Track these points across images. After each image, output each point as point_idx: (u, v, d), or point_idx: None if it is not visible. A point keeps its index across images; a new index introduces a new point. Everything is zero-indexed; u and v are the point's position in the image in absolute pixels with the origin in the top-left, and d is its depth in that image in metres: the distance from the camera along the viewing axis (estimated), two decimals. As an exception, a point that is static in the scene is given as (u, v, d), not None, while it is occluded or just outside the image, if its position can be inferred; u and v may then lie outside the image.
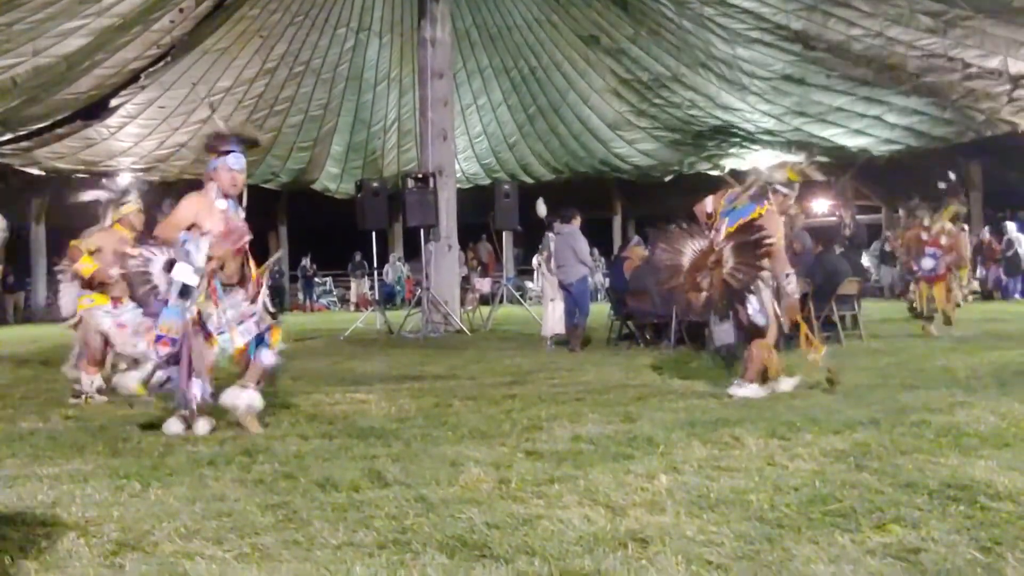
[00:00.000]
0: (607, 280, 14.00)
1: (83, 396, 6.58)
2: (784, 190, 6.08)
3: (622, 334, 10.91)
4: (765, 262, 5.70)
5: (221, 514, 3.20)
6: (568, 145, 22.60)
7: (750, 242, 5.68)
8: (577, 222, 10.25)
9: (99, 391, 6.63)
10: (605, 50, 19.11)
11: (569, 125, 21.96)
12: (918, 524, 2.86)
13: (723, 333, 5.83)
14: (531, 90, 21.32)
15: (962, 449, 3.92)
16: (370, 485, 3.58)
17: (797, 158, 5.96)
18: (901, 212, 13.93)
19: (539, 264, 11.14)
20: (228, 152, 5.01)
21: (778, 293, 5.86)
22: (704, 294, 5.85)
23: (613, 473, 3.67)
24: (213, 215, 4.91)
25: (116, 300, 6.61)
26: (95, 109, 17.28)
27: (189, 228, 4.90)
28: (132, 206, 6.90)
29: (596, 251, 18.57)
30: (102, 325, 6.66)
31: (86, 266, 6.63)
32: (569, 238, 10.08)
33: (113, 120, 18.48)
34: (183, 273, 4.85)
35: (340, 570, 2.55)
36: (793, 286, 5.93)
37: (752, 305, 5.74)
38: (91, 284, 6.70)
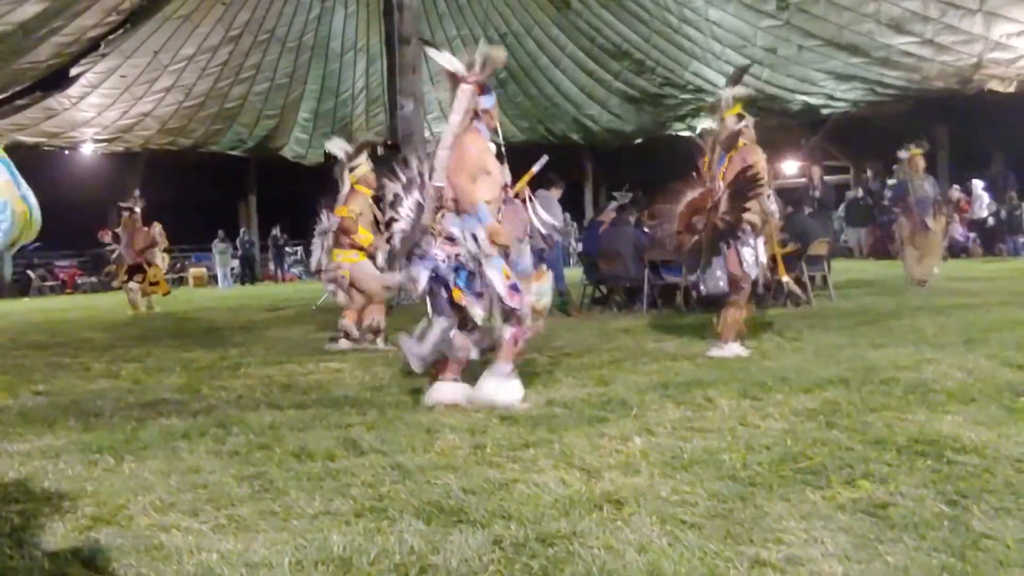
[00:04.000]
0: (580, 245, 14.02)
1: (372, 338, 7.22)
2: (741, 124, 6.12)
3: (595, 298, 10.95)
4: (753, 203, 5.77)
5: (196, 486, 3.19)
6: (540, 108, 22.48)
7: (742, 186, 5.76)
8: (556, 192, 10.21)
9: (375, 331, 7.22)
10: (577, 14, 18.97)
11: (541, 88, 21.83)
12: (887, 479, 2.92)
13: (714, 281, 5.91)
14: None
15: (929, 405, 3.99)
16: (345, 454, 3.58)
17: (733, 90, 5.99)
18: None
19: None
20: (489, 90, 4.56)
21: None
22: (696, 237, 5.96)
23: (587, 436, 3.70)
24: (491, 156, 4.56)
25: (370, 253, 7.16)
26: (55, 79, 16.90)
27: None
28: (364, 166, 7.27)
29: (568, 216, 18.55)
30: (369, 274, 7.19)
31: (364, 236, 7.18)
32: (543, 203, 10.04)
33: (74, 90, 18.09)
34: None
35: (317, 539, 2.55)
36: (774, 206, 6.01)
37: (747, 255, 5.83)
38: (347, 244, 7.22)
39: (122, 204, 13.65)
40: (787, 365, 5.33)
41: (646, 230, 10.50)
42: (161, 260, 13.67)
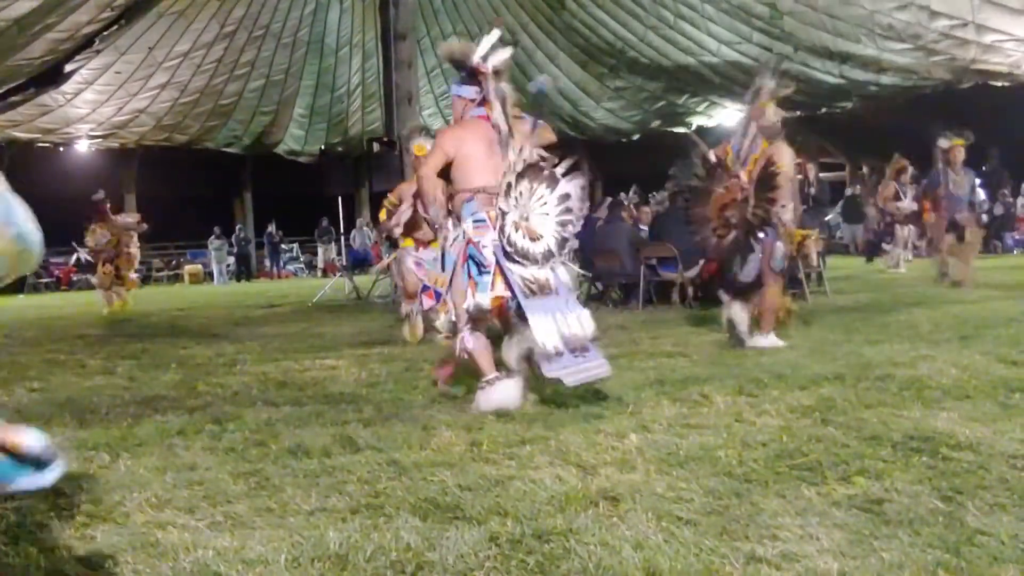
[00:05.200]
0: (576, 241, 14.00)
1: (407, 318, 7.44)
2: (779, 117, 6.20)
3: (591, 295, 10.96)
4: (778, 194, 5.85)
5: (192, 483, 3.18)
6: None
7: (764, 178, 5.84)
8: None
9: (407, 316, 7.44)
10: (572, 13, 18.96)
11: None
12: (882, 476, 2.92)
13: (747, 273, 6.04)
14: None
15: (925, 402, 3.99)
16: (342, 451, 3.58)
17: (765, 87, 6.05)
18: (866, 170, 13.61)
19: None
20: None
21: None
22: (733, 233, 6.05)
23: (583, 433, 3.70)
24: None
25: (422, 244, 7.35)
26: (50, 75, 16.84)
27: None
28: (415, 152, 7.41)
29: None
30: (406, 264, 7.46)
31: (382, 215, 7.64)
32: None
33: (69, 86, 18.05)
34: None
35: (313, 536, 2.55)
36: (788, 215, 6.05)
37: (779, 249, 5.94)
38: (405, 231, 7.46)
39: (95, 198, 13.36)
40: (782, 361, 5.33)
41: (642, 227, 10.53)
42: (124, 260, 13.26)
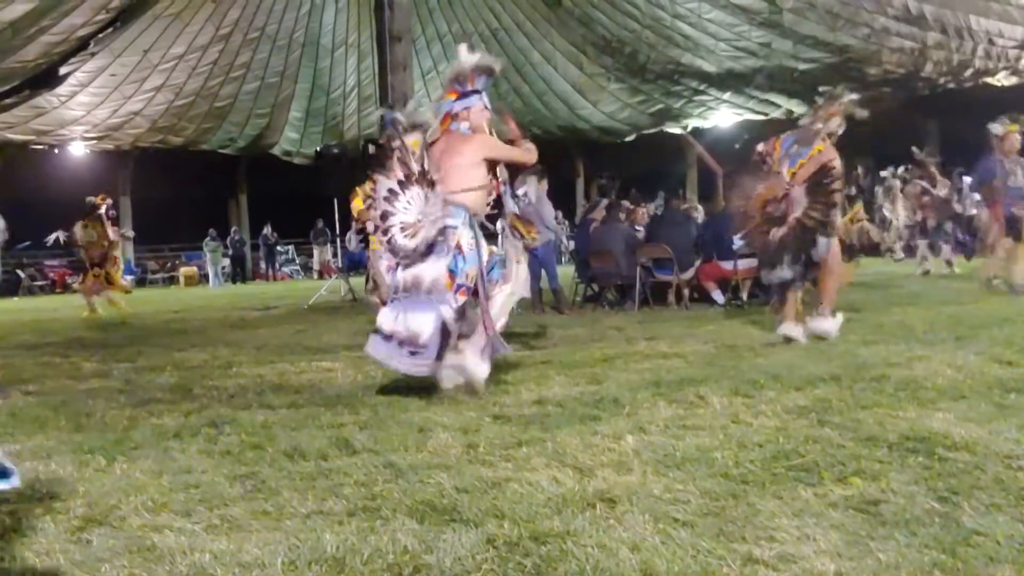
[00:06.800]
0: (572, 243, 14.09)
1: None
2: (839, 132, 6.35)
3: (587, 296, 10.97)
4: (837, 197, 6.07)
5: (188, 486, 3.18)
6: (531, 104, 22.46)
7: (822, 183, 6.00)
8: (543, 186, 10.22)
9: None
10: (568, 11, 18.95)
11: (532, 84, 21.82)
12: (878, 476, 2.93)
13: (780, 272, 6.13)
14: (492, 52, 21.06)
15: (920, 402, 4.00)
16: (338, 453, 3.57)
17: (842, 97, 6.21)
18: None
19: (502, 228, 11.12)
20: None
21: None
22: (778, 231, 6.16)
23: (580, 435, 3.70)
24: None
25: None
26: (44, 77, 16.79)
27: None
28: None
29: (560, 214, 18.57)
30: (377, 265, 7.33)
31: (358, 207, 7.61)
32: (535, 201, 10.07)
33: (63, 89, 17.98)
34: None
35: (310, 539, 2.55)
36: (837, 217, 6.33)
37: (821, 243, 6.08)
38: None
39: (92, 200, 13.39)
40: (778, 362, 5.34)
41: (637, 228, 10.55)
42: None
